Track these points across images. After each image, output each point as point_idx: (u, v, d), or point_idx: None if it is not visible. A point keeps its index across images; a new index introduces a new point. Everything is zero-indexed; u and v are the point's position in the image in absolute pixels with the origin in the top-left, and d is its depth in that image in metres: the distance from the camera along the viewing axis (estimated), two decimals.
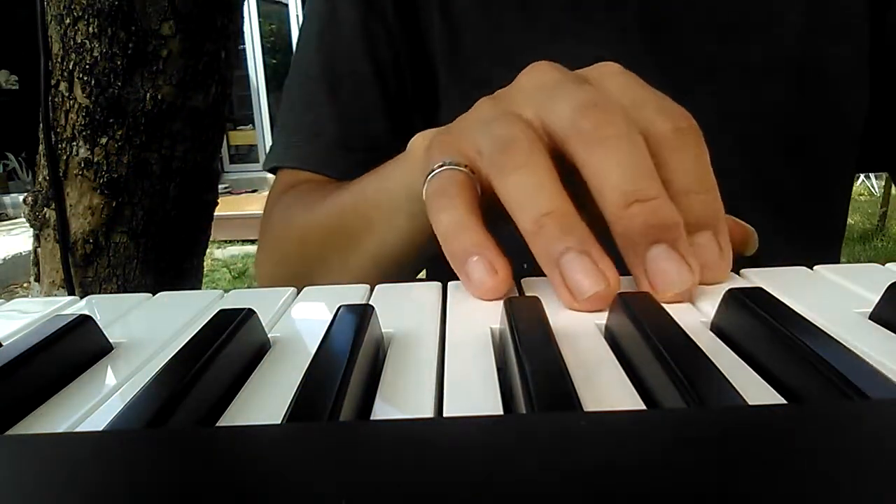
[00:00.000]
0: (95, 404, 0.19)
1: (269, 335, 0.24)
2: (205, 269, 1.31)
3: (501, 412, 0.17)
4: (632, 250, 0.26)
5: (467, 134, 0.31)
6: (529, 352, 0.18)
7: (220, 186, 1.26)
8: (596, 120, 0.26)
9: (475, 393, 0.18)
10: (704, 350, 0.18)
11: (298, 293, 0.30)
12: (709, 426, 0.13)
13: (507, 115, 0.29)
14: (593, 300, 0.24)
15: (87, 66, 0.97)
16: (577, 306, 0.25)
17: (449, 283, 0.28)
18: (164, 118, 1.02)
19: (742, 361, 0.20)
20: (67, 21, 0.96)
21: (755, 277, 0.28)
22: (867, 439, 0.12)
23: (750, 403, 0.15)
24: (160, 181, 1.05)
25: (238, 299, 0.29)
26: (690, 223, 0.27)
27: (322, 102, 0.53)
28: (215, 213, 1.21)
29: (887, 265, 0.29)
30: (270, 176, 0.57)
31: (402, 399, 0.18)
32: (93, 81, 0.97)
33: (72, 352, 0.22)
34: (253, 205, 4.35)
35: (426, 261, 0.49)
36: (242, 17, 1.17)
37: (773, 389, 0.18)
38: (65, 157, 1.02)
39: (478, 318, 0.25)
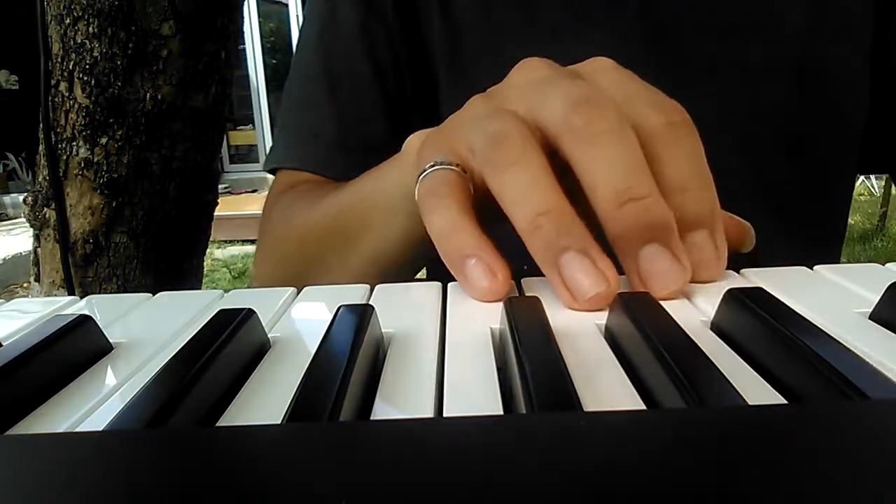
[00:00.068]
0: (95, 404, 0.19)
1: (269, 335, 0.24)
2: (205, 269, 1.31)
3: (501, 412, 0.17)
4: (624, 249, 0.26)
5: (459, 132, 0.31)
6: (529, 352, 0.18)
7: (220, 186, 1.26)
8: (588, 116, 0.26)
9: (475, 393, 0.18)
10: (704, 350, 0.18)
11: (298, 293, 0.30)
12: (709, 426, 0.13)
13: (499, 111, 0.29)
14: (593, 300, 0.24)
15: (87, 66, 0.97)
16: (576, 306, 0.25)
17: (449, 284, 0.28)
18: (164, 118, 1.02)
19: (742, 361, 0.20)
20: (67, 21, 0.96)
21: (755, 277, 0.28)
22: (867, 439, 0.12)
23: (750, 403, 0.15)
24: (160, 181, 1.05)
25: (238, 299, 0.29)
26: (685, 220, 0.26)
27: (321, 103, 0.53)
28: (215, 213, 1.21)
29: (887, 265, 0.29)
30: (270, 176, 0.57)
31: (402, 399, 0.18)
32: (93, 81, 0.97)
33: (72, 352, 0.22)
34: (253, 205, 4.35)
35: (426, 261, 0.49)
36: (242, 17, 1.17)
37: (773, 389, 0.18)
38: (65, 157, 1.02)
39: (478, 318, 0.25)
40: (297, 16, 6.05)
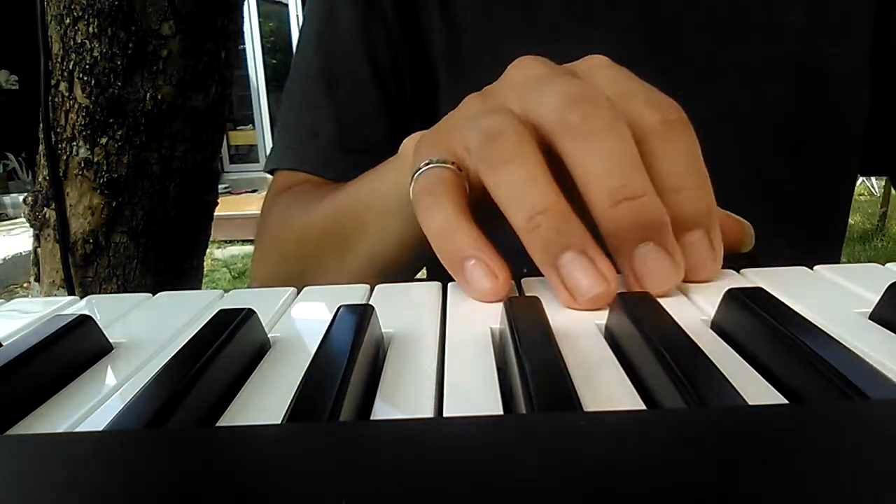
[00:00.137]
0: (95, 404, 0.19)
1: (269, 335, 0.24)
2: (205, 269, 1.31)
3: (501, 412, 0.17)
4: (618, 248, 0.26)
5: (454, 131, 0.31)
6: (529, 352, 0.18)
7: (220, 186, 1.26)
8: (582, 113, 0.26)
9: (475, 393, 0.18)
10: (704, 350, 0.18)
11: (298, 293, 0.30)
12: (709, 426, 0.13)
13: (494, 109, 0.29)
14: (593, 300, 0.24)
15: (87, 66, 0.97)
16: (576, 306, 0.25)
17: (449, 284, 0.28)
18: (164, 118, 1.02)
19: (742, 361, 0.20)
20: (67, 21, 0.96)
21: (755, 277, 0.28)
22: (867, 439, 0.12)
23: (750, 403, 0.15)
24: (160, 181, 1.05)
25: (238, 299, 0.29)
26: (681, 219, 0.26)
27: (320, 103, 0.53)
28: (215, 213, 1.21)
29: (887, 265, 0.29)
30: (270, 176, 0.57)
31: (402, 399, 0.18)
32: (93, 81, 0.97)
33: (72, 352, 0.22)
34: (253, 205, 4.35)
35: (425, 262, 0.49)
36: (242, 17, 1.17)
37: (773, 389, 0.18)
38: (65, 157, 1.02)
39: (478, 318, 0.25)
40: (297, 16, 6.05)
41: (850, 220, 0.59)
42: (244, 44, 5.74)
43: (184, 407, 0.17)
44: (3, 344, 0.22)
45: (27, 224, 1.11)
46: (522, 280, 0.29)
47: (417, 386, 0.19)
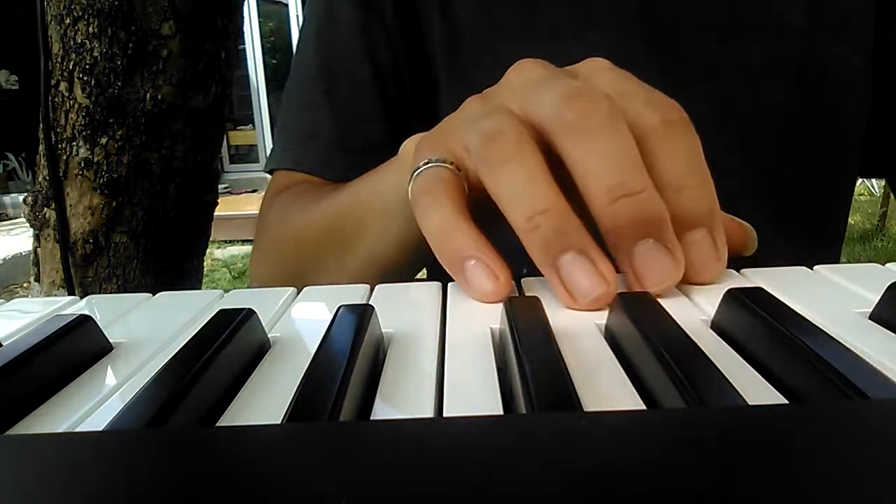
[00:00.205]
0: (95, 404, 0.19)
1: (269, 335, 0.24)
2: (205, 269, 1.31)
3: (501, 412, 0.17)
4: (618, 245, 0.26)
5: (454, 132, 0.31)
6: (529, 352, 0.18)
7: (220, 186, 1.26)
8: (580, 109, 0.26)
9: (475, 393, 0.18)
10: (704, 350, 0.18)
11: (298, 293, 0.30)
12: (709, 426, 0.13)
13: (494, 110, 0.29)
14: (593, 301, 0.24)
15: (87, 66, 0.97)
16: (576, 307, 0.25)
17: (449, 284, 0.28)
18: (164, 118, 1.02)
19: (742, 361, 0.20)
20: (67, 21, 0.96)
21: (755, 277, 0.28)
22: (867, 439, 0.12)
23: (750, 403, 0.15)
24: (160, 181, 1.05)
25: (238, 299, 0.29)
26: (683, 219, 0.26)
27: (320, 103, 0.53)
28: (215, 213, 1.21)
29: (887, 265, 0.29)
30: (270, 176, 0.57)
31: (402, 399, 0.18)
32: (93, 81, 0.97)
33: (72, 352, 0.22)
34: (253, 205, 4.34)
35: (424, 263, 0.49)
36: (242, 17, 1.17)
37: (773, 389, 0.18)
38: (65, 157, 1.02)
39: (478, 318, 0.25)
40: (297, 16, 6.05)
41: (850, 220, 0.59)
42: (244, 44, 5.74)
43: (184, 407, 0.17)
44: (3, 344, 0.22)
45: (27, 224, 1.11)
46: (522, 280, 0.29)
47: (417, 386, 0.19)
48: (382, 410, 0.18)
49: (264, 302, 0.27)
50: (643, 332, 0.19)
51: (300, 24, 0.78)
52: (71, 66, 0.98)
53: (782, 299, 0.22)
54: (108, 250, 1.05)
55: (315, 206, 0.45)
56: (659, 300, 0.22)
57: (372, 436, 0.13)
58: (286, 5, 6.16)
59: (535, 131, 0.27)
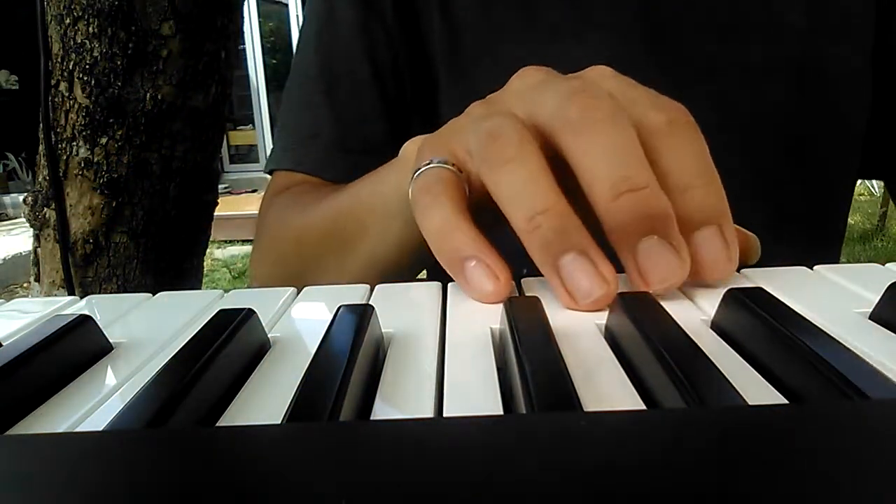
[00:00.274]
0: (95, 404, 0.19)
1: (269, 335, 0.24)
2: (205, 269, 1.31)
3: (501, 412, 0.17)
4: (622, 242, 0.25)
5: (457, 134, 0.30)
6: (529, 352, 0.18)
7: (220, 186, 1.26)
8: (582, 106, 0.26)
9: (475, 393, 0.18)
10: (704, 350, 0.18)
11: (298, 293, 0.30)
12: (709, 426, 0.13)
13: (496, 112, 0.29)
14: (593, 302, 0.24)
15: (87, 66, 0.97)
16: (576, 308, 0.25)
17: (449, 284, 0.28)
18: (164, 118, 1.02)
19: (742, 361, 0.20)
20: (67, 21, 0.96)
21: (755, 277, 0.28)
22: (867, 439, 0.12)
23: (750, 403, 0.15)
24: (160, 181, 1.05)
25: (238, 299, 0.29)
26: (692, 218, 0.26)
27: (320, 104, 0.53)
28: (215, 213, 1.21)
29: (887, 265, 0.29)
30: (270, 177, 0.57)
31: (402, 399, 0.18)
32: (93, 81, 0.97)
33: (72, 352, 0.22)
34: (253, 205, 4.34)
35: (425, 265, 0.49)
36: (242, 17, 1.17)
37: (773, 389, 0.18)
38: (65, 157, 1.02)
39: (478, 318, 0.25)
40: (297, 16, 6.05)
41: (850, 220, 0.59)
42: (244, 44, 5.74)
43: (184, 407, 0.17)
44: (3, 344, 0.22)
45: (27, 224, 1.11)
46: (522, 280, 0.29)
47: (417, 386, 0.19)
48: (382, 410, 0.18)
49: (264, 302, 0.27)
50: (643, 332, 0.19)
51: (300, 24, 0.78)
52: (71, 66, 0.98)
53: (782, 299, 0.22)
54: (108, 250, 1.05)
55: (315, 207, 0.45)
56: (659, 300, 0.22)
57: (372, 436, 0.13)
58: (286, 5, 6.16)
59: (538, 133, 0.27)
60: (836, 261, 0.57)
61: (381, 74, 0.52)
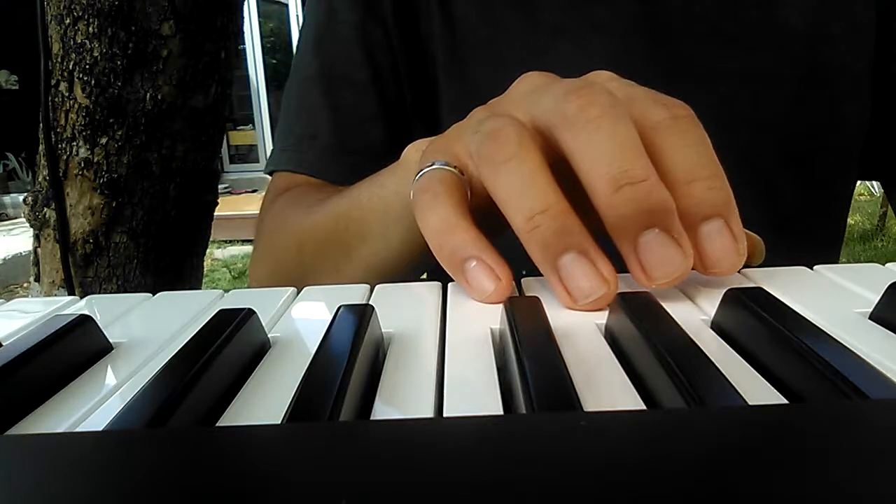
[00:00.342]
0: (95, 404, 0.19)
1: (269, 335, 0.24)
2: (205, 269, 1.31)
3: (501, 412, 0.17)
4: (623, 236, 0.25)
5: (459, 138, 0.31)
6: (529, 352, 0.18)
7: (220, 186, 1.26)
8: (580, 101, 0.25)
9: (475, 393, 0.18)
10: (704, 350, 0.18)
11: (298, 293, 0.30)
12: (709, 426, 0.13)
13: (497, 114, 0.29)
14: (593, 303, 0.24)
15: (87, 66, 0.97)
16: (576, 308, 0.25)
17: (449, 284, 0.28)
18: (164, 118, 1.02)
19: (742, 361, 0.20)
20: (67, 21, 0.96)
21: (755, 277, 0.28)
22: (867, 439, 0.12)
23: (750, 403, 0.15)
24: (160, 181, 1.05)
25: (238, 299, 0.29)
26: (698, 212, 0.25)
27: (319, 105, 0.53)
28: (215, 213, 1.21)
29: (887, 265, 0.29)
30: (270, 177, 0.57)
31: (402, 399, 0.18)
32: (93, 81, 0.97)
33: (72, 352, 0.22)
34: (253, 205, 4.35)
35: (428, 269, 0.49)
36: (242, 17, 1.17)
37: (773, 389, 0.18)
38: (65, 157, 1.02)
39: (478, 318, 0.25)
40: (297, 16, 6.05)
41: (850, 220, 0.59)
42: (244, 44, 5.74)
43: (184, 407, 0.17)
44: (3, 344, 0.22)
45: (27, 224, 1.11)
46: (522, 280, 0.29)
47: (417, 386, 0.19)
48: (382, 410, 0.18)
49: (264, 302, 0.27)
50: (643, 332, 0.19)
51: (300, 24, 0.78)
52: (71, 66, 0.98)
53: (782, 299, 0.22)
54: (108, 250, 1.05)
55: (315, 210, 0.44)
56: (659, 300, 0.22)
57: (372, 436, 0.13)
58: (286, 5, 6.16)
59: (539, 135, 0.27)
60: (836, 261, 0.57)
61: (380, 76, 0.52)
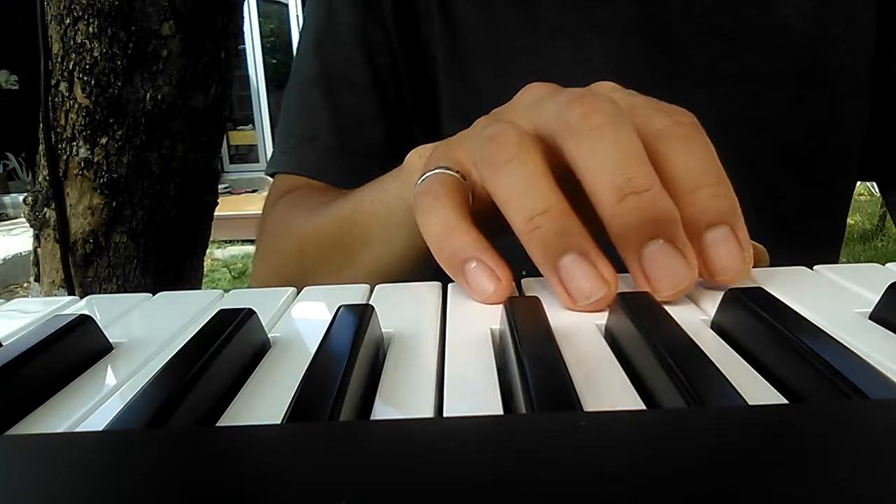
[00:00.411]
0: (95, 404, 0.19)
1: (269, 335, 0.24)
2: (205, 269, 1.31)
3: (501, 412, 0.17)
4: (627, 246, 0.25)
5: (462, 144, 0.31)
6: (529, 352, 0.18)
7: (220, 186, 1.26)
8: (583, 109, 0.25)
9: (475, 393, 0.18)
10: (704, 350, 0.18)
11: (298, 293, 0.30)
12: (709, 426, 0.13)
13: (500, 121, 0.29)
14: (593, 303, 0.24)
15: (87, 66, 0.97)
16: (576, 308, 0.25)
17: (449, 284, 0.28)
18: (164, 118, 1.02)
19: (742, 361, 0.20)
20: (67, 21, 0.96)
21: (755, 277, 0.28)
22: (867, 439, 0.12)
23: (750, 403, 0.15)
24: (160, 181, 1.05)
25: (238, 299, 0.29)
26: (703, 219, 0.25)
27: (319, 107, 0.53)
28: (215, 213, 1.21)
29: (887, 265, 0.29)
30: (270, 178, 0.57)
31: (402, 399, 0.18)
32: (93, 81, 0.97)
33: (72, 352, 0.22)
34: (253, 205, 4.35)
35: (429, 274, 0.49)
36: (242, 17, 1.17)
37: (773, 389, 0.18)
38: (65, 157, 1.02)
39: (478, 318, 0.25)
40: (297, 16, 6.05)
41: (850, 220, 0.59)
42: (244, 44, 5.74)
43: (184, 407, 0.17)
44: (3, 344, 0.22)
45: (27, 224, 1.11)
46: (522, 280, 0.29)
47: (417, 386, 0.19)
48: (382, 410, 0.18)
49: (264, 302, 0.27)
50: (643, 332, 0.19)
51: (300, 24, 0.78)
52: (71, 66, 0.98)
53: (782, 299, 0.22)
54: (108, 250, 1.05)
55: (317, 214, 0.44)
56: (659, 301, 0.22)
57: (372, 436, 0.13)
58: (286, 5, 6.16)
59: (542, 143, 0.27)
60: (835, 261, 0.57)
61: (380, 78, 0.52)
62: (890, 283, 0.22)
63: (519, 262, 0.27)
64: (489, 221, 0.27)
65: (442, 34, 0.51)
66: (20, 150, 4.72)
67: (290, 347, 0.23)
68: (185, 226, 1.13)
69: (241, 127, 6.21)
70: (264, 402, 0.19)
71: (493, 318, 0.24)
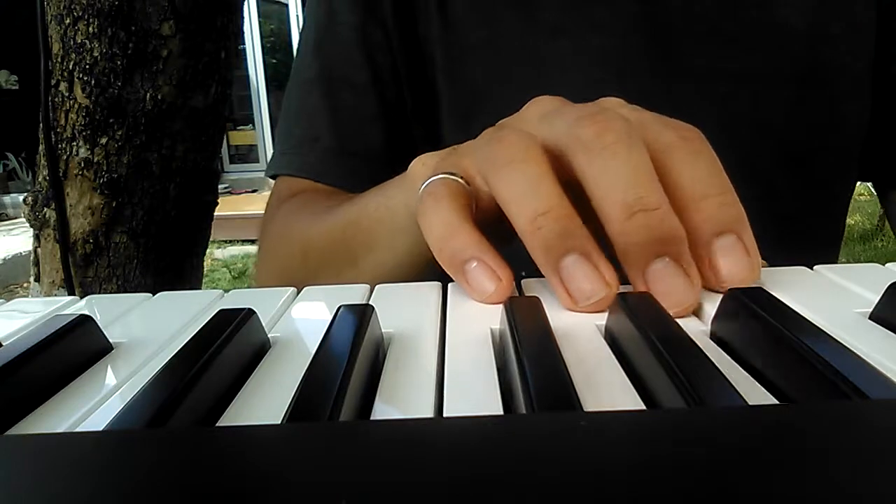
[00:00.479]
0: (95, 404, 0.19)
1: (269, 335, 0.24)
2: (205, 269, 1.31)
3: (501, 412, 0.17)
4: (633, 263, 0.25)
5: (468, 152, 0.31)
6: (529, 352, 0.18)
7: (220, 186, 1.26)
8: (595, 127, 0.26)
9: (475, 393, 0.18)
10: (704, 350, 0.18)
11: (298, 293, 0.30)
12: (709, 426, 0.13)
13: (506, 130, 0.29)
14: (594, 304, 0.24)
15: (87, 66, 0.97)
16: (576, 309, 0.25)
17: (449, 284, 0.28)
18: (164, 118, 1.02)
19: (742, 361, 0.20)
20: (67, 21, 0.96)
21: None
22: (867, 439, 0.12)
23: (750, 403, 0.15)
24: (160, 181, 1.05)
25: (238, 299, 0.29)
26: (710, 229, 0.25)
27: (319, 108, 0.53)
28: (215, 213, 1.21)
29: (887, 265, 0.29)
30: (271, 178, 0.57)
31: (402, 399, 0.18)
32: (93, 81, 0.97)
33: (72, 352, 0.22)
34: (253, 205, 4.35)
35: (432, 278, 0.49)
36: (242, 17, 1.17)
37: (773, 389, 0.18)
38: (65, 157, 1.02)
39: (478, 318, 0.25)
40: (297, 16, 6.06)
41: (850, 220, 0.59)
42: (244, 44, 5.74)
43: (184, 407, 0.17)
44: (3, 344, 0.22)
45: (27, 224, 1.11)
46: (522, 281, 0.29)
47: (417, 386, 0.19)
48: (382, 410, 0.18)
49: (264, 302, 0.27)
50: (643, 332, 0.19)
51: (300, 24, 0.78)
52: (71, 66, 0.98)
53: (782, 299, 0.22)
54: (108, 250, 1.05)
55: (321, 218, 0.44)
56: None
57: (372, 436, 0.13)
58: (286, 5, 6.16)
59: (550, 155, 0.27)
60: (835, 261, 0.57)
61: (380, 78, 0.52)
62: (890, 283, 0.22)
63: (519, 263, 0.27)
64: (492, 230, 0.27)
65: (441, 34, 0.51)
66: (20, 150, 4.72)
67: (290, 347, 0.23)
68: (185, 226, 1.13)
69: (241, 127, 6.21)
70: (264, 402, 0.19)
71: (493, 318, 0.24)
